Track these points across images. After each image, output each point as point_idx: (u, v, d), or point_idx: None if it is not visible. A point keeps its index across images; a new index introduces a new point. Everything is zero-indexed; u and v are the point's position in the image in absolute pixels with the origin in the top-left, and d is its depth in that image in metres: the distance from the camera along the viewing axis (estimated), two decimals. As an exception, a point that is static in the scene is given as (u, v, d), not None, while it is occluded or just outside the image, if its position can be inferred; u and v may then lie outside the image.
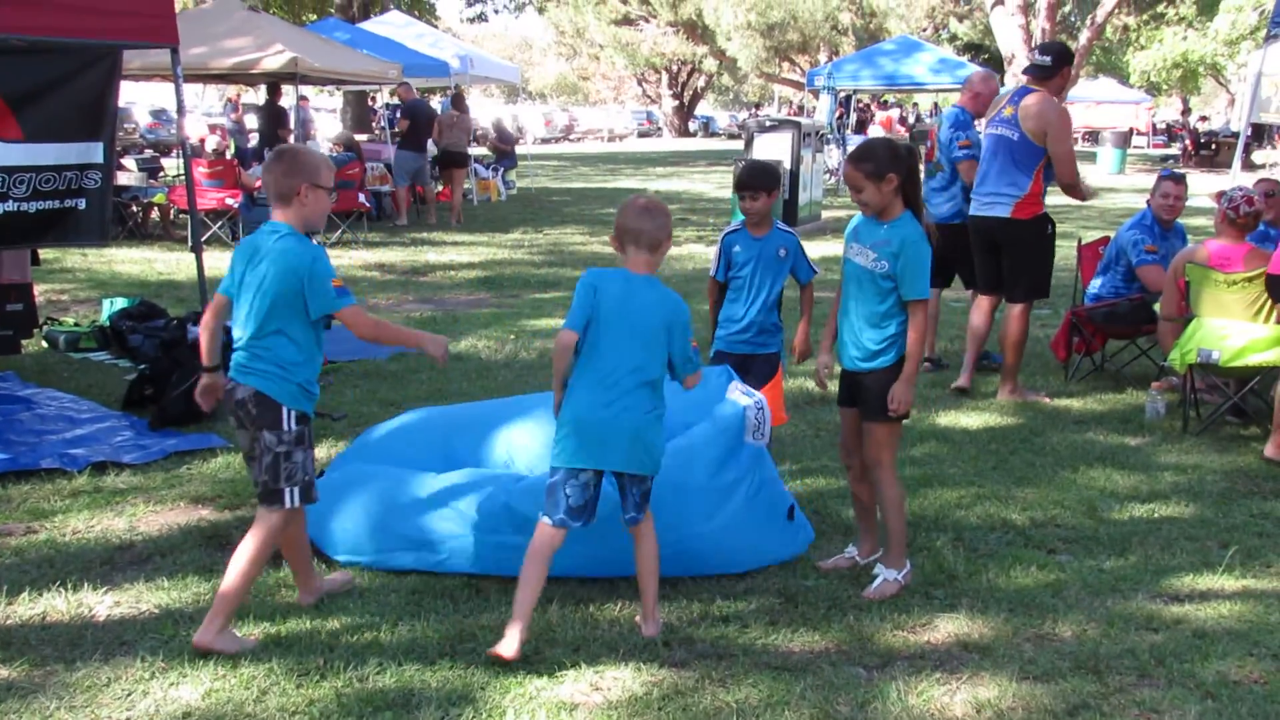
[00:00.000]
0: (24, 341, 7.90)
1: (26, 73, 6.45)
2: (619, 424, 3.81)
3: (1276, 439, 6.17)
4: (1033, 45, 24.40)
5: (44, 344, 8.45)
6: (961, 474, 5.90)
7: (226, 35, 14.68)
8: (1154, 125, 48.73)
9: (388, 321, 4.10)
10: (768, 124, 17.40)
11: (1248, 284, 6.38)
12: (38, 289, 8.63)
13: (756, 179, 5.29)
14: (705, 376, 5.03)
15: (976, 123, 8.15)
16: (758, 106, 62.49)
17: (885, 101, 40.56)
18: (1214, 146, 34.63)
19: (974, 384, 7.69)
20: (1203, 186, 17.38)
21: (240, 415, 3.88)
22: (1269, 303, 6.35)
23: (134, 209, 14.83)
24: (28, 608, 4.19)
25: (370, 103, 29.09)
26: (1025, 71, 7.47)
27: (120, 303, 8.84)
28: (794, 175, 16.28)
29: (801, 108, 46.23)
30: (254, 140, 18.70)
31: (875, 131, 30.14)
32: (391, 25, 23.88)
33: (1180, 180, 7.74)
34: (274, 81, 16.13)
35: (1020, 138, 7.09)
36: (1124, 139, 33.50)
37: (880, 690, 3.68)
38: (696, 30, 46.05)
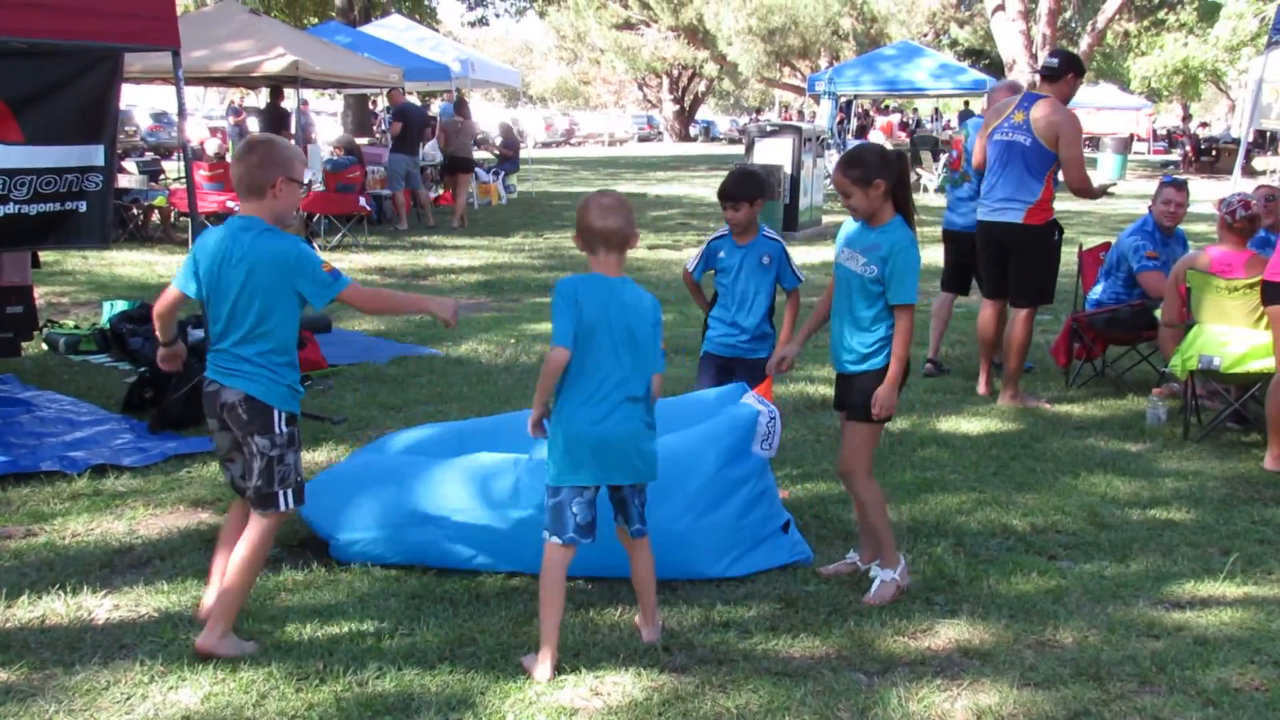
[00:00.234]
0: (24, 344, 7.90)
1: (27, 75, 6.45)
2: (621, 437, 3.76)
3: (1274, 450, 6.17)
4: (1033, 51, 24.45)
5: (44, 346, 8.44)
6: (962, 479, 5.89)
7: (228, 38, 14.70)
8: (1154, 131, 48.77)
9: (387, 291, 4.04)
10: (769, 129, 17.42)
11: (1249, 290, 6.37)
12: (38, 291, 8.63)
13: (740, 189, 5.27)
14: (719, 392, 5.05)
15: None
16: (758, 111, 62.48)
17: (886, 107, 40.61)
18: (1214, 153, 34.66)
19: (972, 389, 7.69)
20: (1203, 193, 17.39)
21: (228, 419, 3.78)
22: (1269, 308, 6.35)
23: (135, 212, 14.84)
24: (27, 610, 4.18)
25: (371, 106, 29.12)
26: (1036, 72, 7.51)
27: (120, 305, 8.84)
28: (794, 180, 16.30)
29: (801, 113, 46.29)
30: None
31: (876, 137, 30.16)
32: (392, 29, 23.94)
33: (1182, 187, 7.75)
34: (275, 85, 16.14)
35: (1033, 143, 7.09)
36: (1124, 145, 33.47)
37: (881, 696, 3.68)
38: (697, 35, 46.09)
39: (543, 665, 3.73)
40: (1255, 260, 6.50)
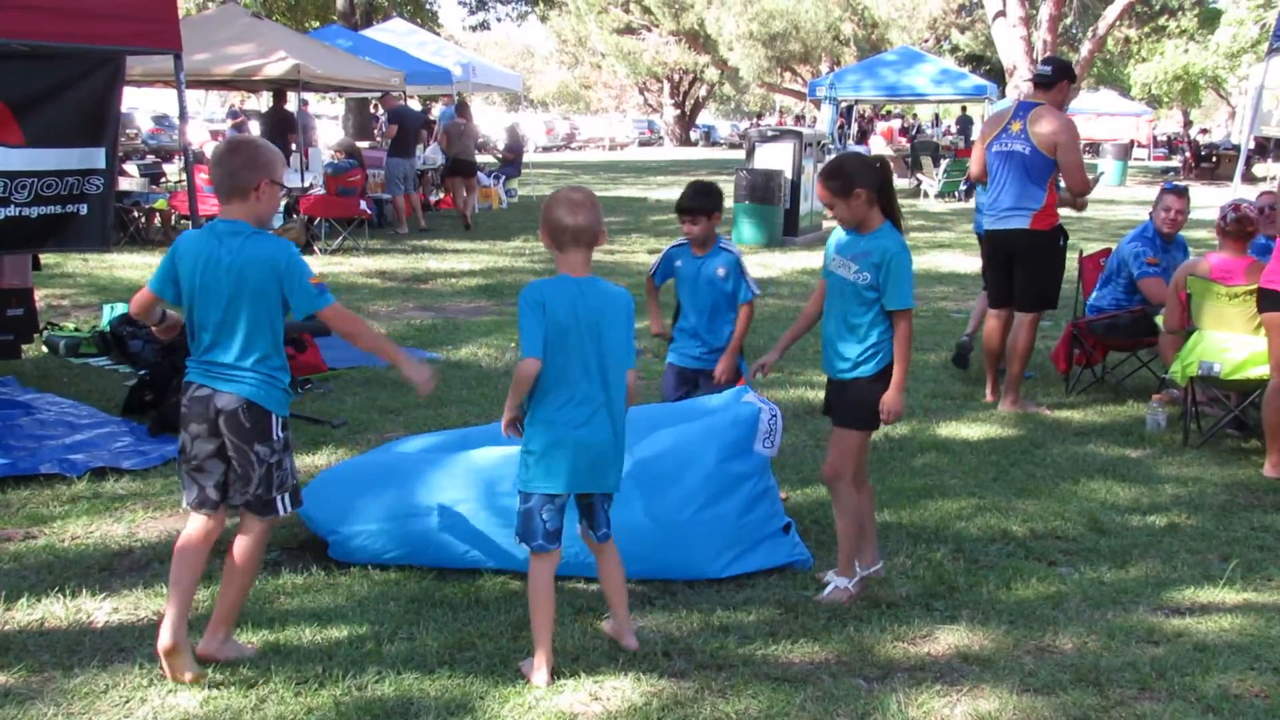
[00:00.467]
0: (24, 346, 7.90)
1: (29, 78, 6.46)
2: (601, 443, 3.72)
3: (1273, 457, 6.17)
4: (1034, 57, 24.45)
5: (44, 349, 8.44)
6: (962, 485, 5.89)
7: (229, 42, 14.70)
8: (1154, 138, 48.80)
9: (369, 327, 3.90)
10: (769, 134, 17.43)
11: (1249, 297, 6.37)
12: (38, 294, 8.63)
13: (697, 203, 5.25)
14: (720, 395, 5.06)
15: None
16: (759, 116, 62.55)
17: (889, 112, 40.64)
18: (1214, 159, 34.69)
19: (972, 395, 7.69)
20: (1203, 199, 17.40)
21: (225, 427, 3.64)
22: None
23: (136, 214, 14.84)
24: (26, 613, 4.18)
25: (372, 110, 29.12)
26: (1029, 80, 7.55)
27: (121, 308, 8.82)
28: (795, 185, 16.31)
29: (800, 117, 46.32)
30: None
31: (876, 142, 30.18)
32: (394, 33, 23.94)
33: (1182, 194, 7.75)
34: (277, 88, 16.16)
35: (1032, 151, 7.11)
36: (1125, 151, 33.54)
37: (880, 702, 3.67)
38: (698, 40, 46.14)
39: (539, 671, 3.73)
40: (1255, 267, 6.50)
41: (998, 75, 31.02)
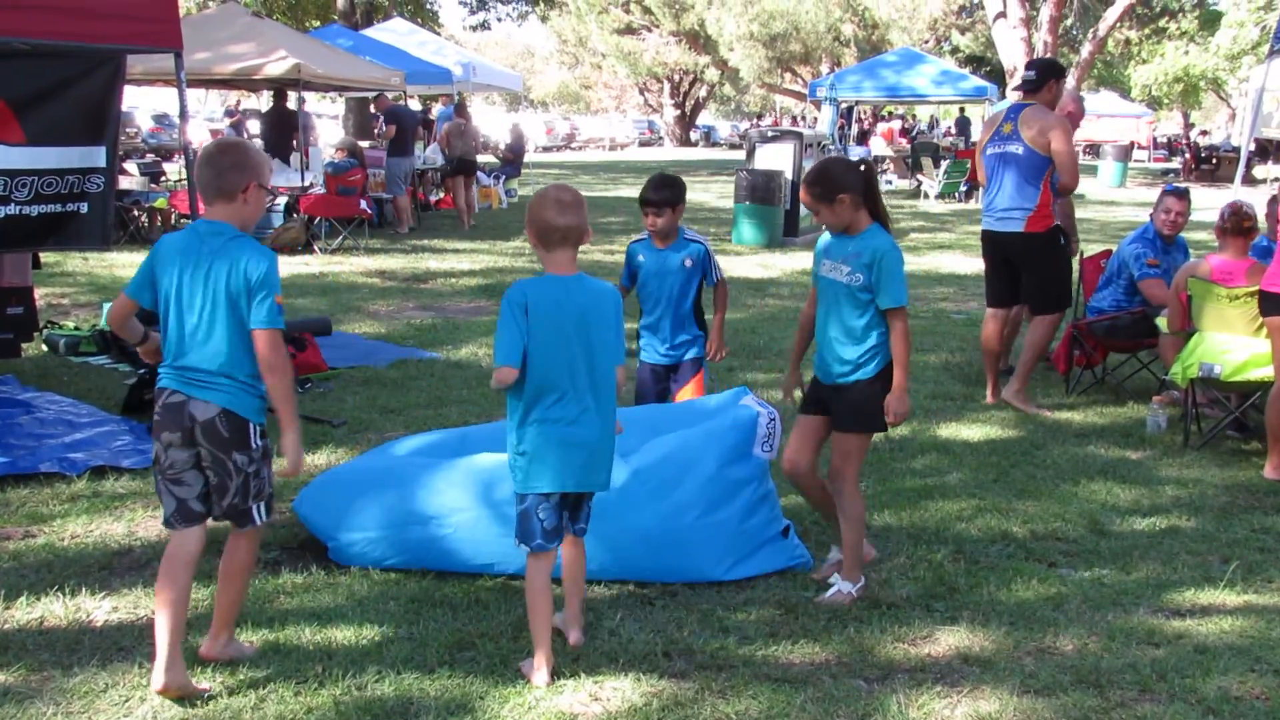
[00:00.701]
0: (24, 345, 7.89)
1: (30, 76, 6.45)
2: (589, 442, 3.74)
3: (1274, 459, 6.16)
4: (1034, 58, 24.47)
5: (44, 348, 8.44)
6: (962, 486, 5.89)
7: (230, 41, 14.70)
8: (1155, 139, 48.81)
9: (289, 381, 3.60)
10: (770, 134, 17.43)
11: (1250, 299, 6.37)
12: (38, 293, 8.63)
13: (660, 194, 5.26)
14: (719, 397, 5.07)
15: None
16: (759, 117, 62.55)
17: (889, 113, 40.62)
18: (1214, 161, 34.70)
19: (973, 396, 7.69)
20: (1203, 201, 17.39)
21: (202, 436, 3.53)
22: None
23: (136, 213, 14.83)
24: (25, 612, 4.17)
25: (372, 109, 29.10)
26: (1016, 88, 7.59)
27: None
28: (795, 186, 16.30)
29: (797, 118, 46.29)
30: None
31: (876, 143, 30.18)
32: (394, 32, 23.93)
33: (1183, 196, 7.76)
34: (280, 87, 16.16)
35: (1025, 151, 7.14)
36: (1125, 153, 33.56)
37: (881, 703, 3.67)
38: (699, 40, 46.13)
39: (539, 671, 3.73)
40: (1256, 268, 6.50)
41: (998, 76, 31.05)
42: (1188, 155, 36.91)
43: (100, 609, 4.22)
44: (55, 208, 6.64)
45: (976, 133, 33.73)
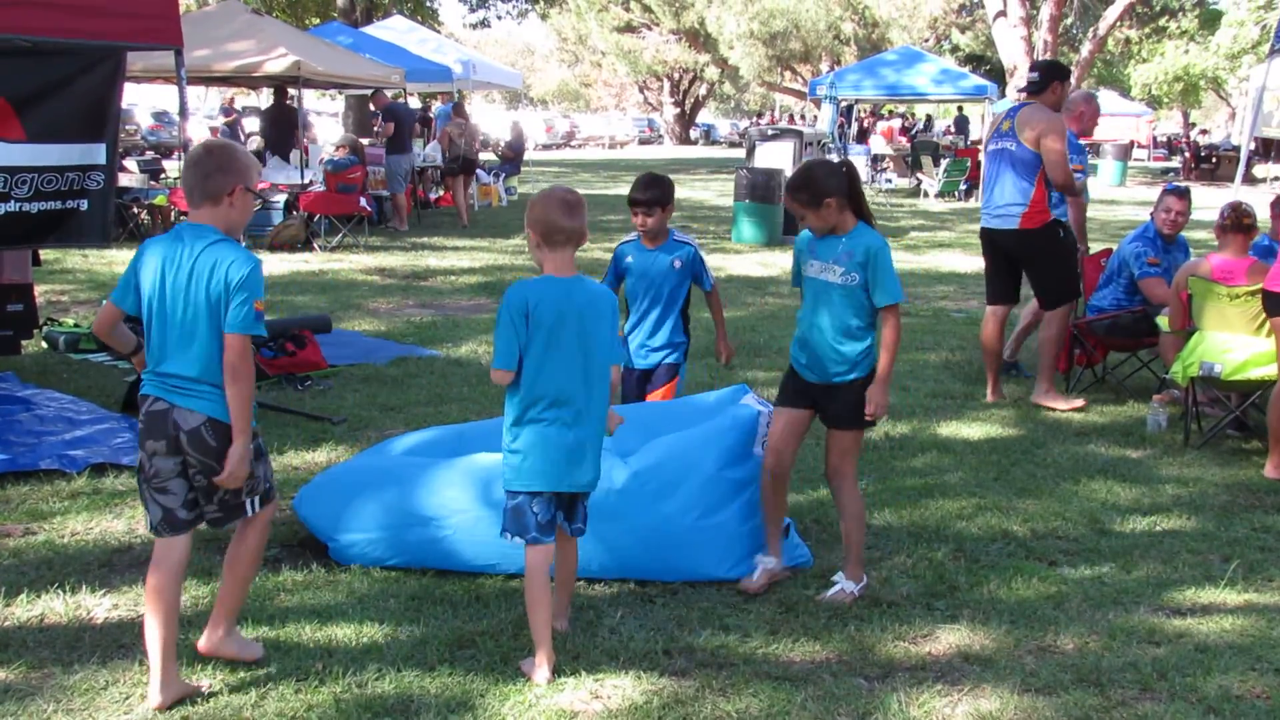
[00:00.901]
0: (24, 342, 7.88)
1: (30, 73, 6.44)
2: (581, 441, 3.76)
3: (1274, 458, 6.16)
4: (1034, 57, 24.47)
5: (44, 345, 8.44)
6: (963, 485, 5.89)
7: (229, 38, 14.68)
8: (1154, 138, 48.80)
9: (249, 389, 3.49)
10: (770, 133, 17.44)
11: (1250, 298, 6.37)
12: (38, 290, 8.61)
13: (649, 195, 5.22)
14: (719, 394, 5.06)
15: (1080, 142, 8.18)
16: (759, 115, 62.53)
17: (890, 112, 40.58)
18: (1214, 160, 34.70)
19: (973, 395, 7.69)
20: (1203, 201, 17.40)
21: (188, 445, 3.45)
22: (1270, 317, 6.35)
23: (135, 210, 14.82)
24: (26, 609, 4.17)
25: (372, 107, 29.07)
26: (1021, 89, 7.61)
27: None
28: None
29: (796, 117, 46.26)
30: (253, 143, 18.69)
31: (876, 141, 30.16)
32: (394, 30, 23.92)
33: (1184, 195, 7.76)
34: (279, 85, 16.15)
35: (1019, 147, 7.19)
36: (1124, 151, 33.56)
37: (881, 701, 3.67)
38: (699, 38, 46.09)
39: (540, 668, 3.73)
40: (1257, 267, 6.50)
41: (998, 75, 31.04)
42: (1187, 154, 36.91)
43: (100, 606, 4.22)
44: (55, 205, 6.63)
45: (975, 131, 33.80)
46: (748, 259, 14.43)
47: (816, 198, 4.25)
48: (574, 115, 65.63)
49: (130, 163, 16.63)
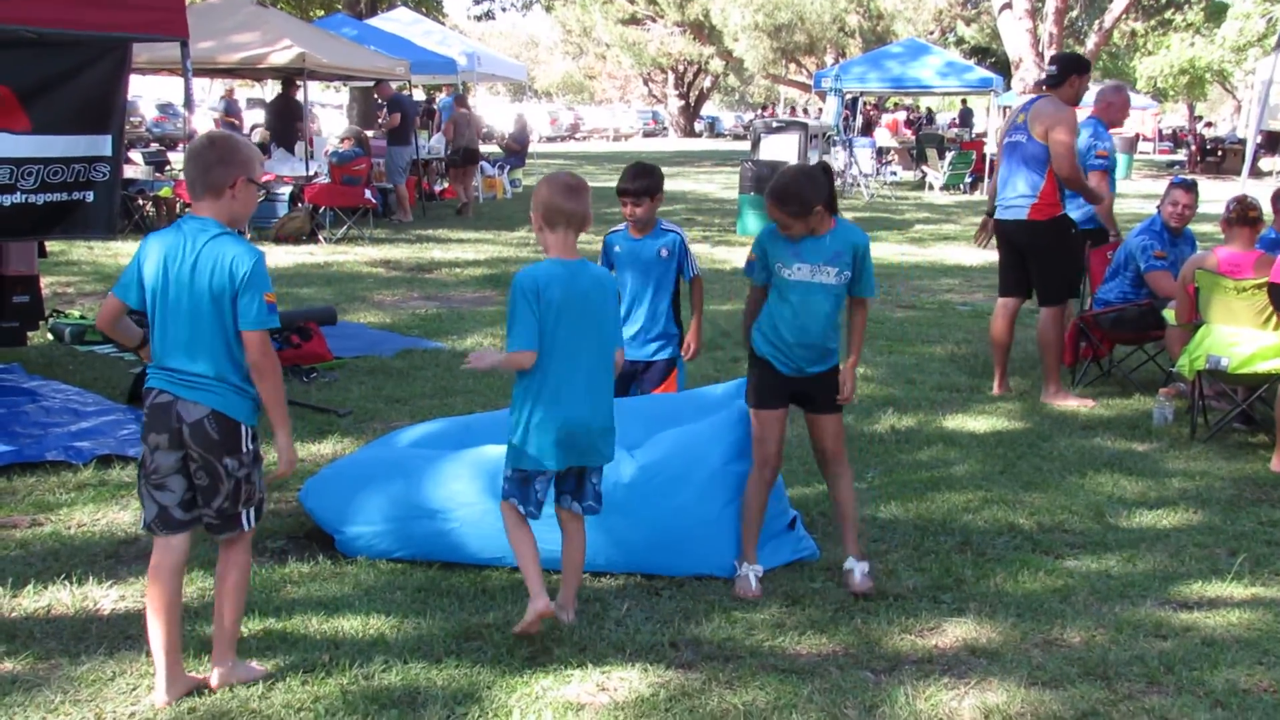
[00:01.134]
0: (30, 334, 7.89)
1: (36, 65, 6.44)
2: (599, 422, 3.87)
3: (1281, 452, 6.16)
4: (1039, 50, 24.41)
5: (49, 336, 8.44)
6: (969, 478, 5.88)
7: (234, 30, 14.67)
8: (1160, 131, 48.69)
9: (279, 382, 3.49)
10: (774, 125, 17.41)
11: (1257, 291, 6.35)
12: (44, 281, 8.63)
13: (638, 184, 5.21)
14: (724, 387, 5.06)
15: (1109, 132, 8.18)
16: (764, 108, 62.41)
17: (895, 104, 40.49)
18: (1220, 153, 34.64)
19: (979, 388, 7.68)
20: (1208, 194, 17.37)
21: (191, 439, 3.40)
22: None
23: (141, 202, 14.83)
24: (33, 600, 4.18)
25: (375, 97, 29.05)
26: (1039, 83, 7.61)
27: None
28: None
29: (805, 109, 46.18)
30: (256, 135, 18.69)
31: (881, 134, 30.12)
32: (399, 22, 23.88)
33: (1191, 188, 7.73)
34: (284, 77, 16.14)
35: (1029, 141, 7.19)
36: (1130, 145, 33.50)
37: (888, 694, 3.67)
38: (703, 30, 46.05)
39: (537, 602, 3.76)
40: (1264, 260, 6.48)
41: (1003, 68, 30.93)
42: (1193, 148, 36.84)
43: (107, 597, 4.23)
44: (61, 196, 6.63)
45: (979, 124, 33.73)
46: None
47: (806, 209, 4.30)
48: (578, 108, 65.60)
49: (135, 155, 16.64)
